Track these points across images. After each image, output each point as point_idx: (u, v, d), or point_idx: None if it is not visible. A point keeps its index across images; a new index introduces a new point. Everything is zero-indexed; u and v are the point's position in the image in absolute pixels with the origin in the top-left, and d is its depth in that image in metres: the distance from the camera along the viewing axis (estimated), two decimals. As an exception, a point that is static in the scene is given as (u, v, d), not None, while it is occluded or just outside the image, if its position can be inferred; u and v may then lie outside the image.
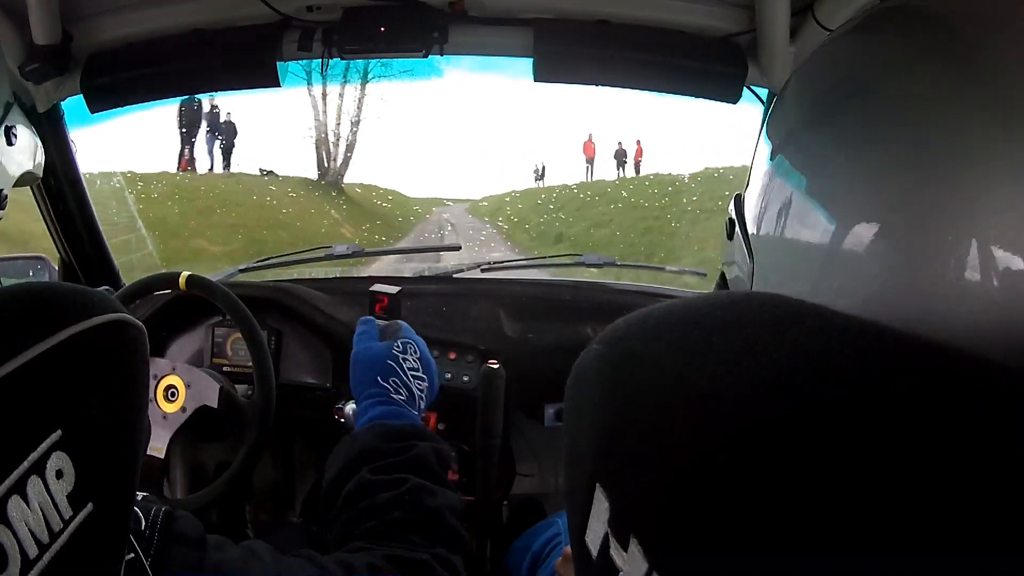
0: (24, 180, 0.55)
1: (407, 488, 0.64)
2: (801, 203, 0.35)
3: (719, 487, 0.21)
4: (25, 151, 0.56)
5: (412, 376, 0.78)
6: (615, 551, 0.24)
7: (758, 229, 0.40)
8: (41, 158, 0.58)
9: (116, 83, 1.13)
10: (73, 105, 1.20)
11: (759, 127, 1.20)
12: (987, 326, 0.27)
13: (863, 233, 0.31)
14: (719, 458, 0.21)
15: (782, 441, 0.20)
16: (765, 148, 0.40)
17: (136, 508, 0.49)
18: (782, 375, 0.22)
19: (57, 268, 1.42)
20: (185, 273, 1.13)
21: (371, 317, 0.88)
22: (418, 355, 0.81)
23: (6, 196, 0.52)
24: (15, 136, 0.53)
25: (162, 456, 1.09)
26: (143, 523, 0.49)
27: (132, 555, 0.49)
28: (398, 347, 0.79)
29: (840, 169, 0.33)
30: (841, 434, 0.20)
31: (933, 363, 0.22)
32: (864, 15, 0.37)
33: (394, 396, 0.75)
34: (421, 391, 0.78)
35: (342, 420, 1.14)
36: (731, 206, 0.45)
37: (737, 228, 0.43)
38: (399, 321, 0.88)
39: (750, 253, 0.41)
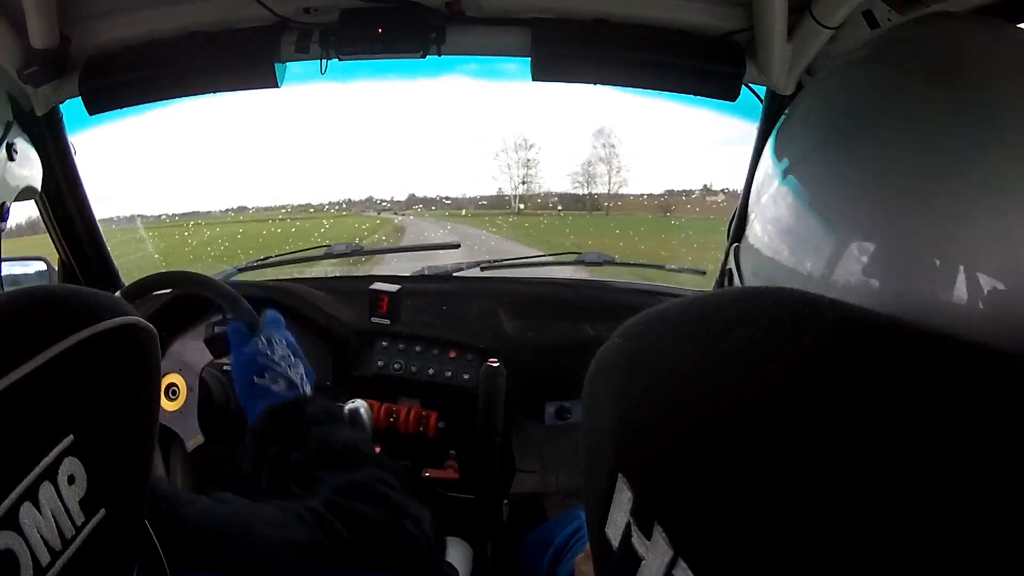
0: (25, 194, 0.55)
1: (314, 446, 0.71)
2: (803, 221, 0.36)
3: (741, 474, 0.21)
4: (25, 166, 0.56)
5: (286, 365, 0.84)
6: (637, 540, 0.24)
7: (758, 251, 0.40)
8: (39, 172, 0.59)
9: (114, 85, 1.13)
10: (72, 108, 1.20)
11: (757, 130, 1.19)
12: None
13: (858, 253, 0.33)
14: (739, 447, 0.22)
15: (804, 428, 0.21)
16: (770, 164, 0.40)
17: None
18: (802, 366, 0.22)
19: (57, 269, 1.43)
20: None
21: (238, 322, 0.90)
22: (284, 342, 0.86)
23: (8, 208, 0.52)
24: (16, 152, 0.54)
25: (204, 440, 1.08)
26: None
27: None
28: (262, 343, 0.84)
29: (842, 192, 0.34)
30: (861, 422, 0.20)
31: (955, 357, 0.22)
32: (877, 43, 0.38)
33: (274, 388, 0.81)
34: (300, 375, 0.84)
35: None
36: (731, 257, 0.46)
37: (736, 279, 0.44)
38: (268, 312, 0.91)
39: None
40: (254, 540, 0.57)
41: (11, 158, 0.54)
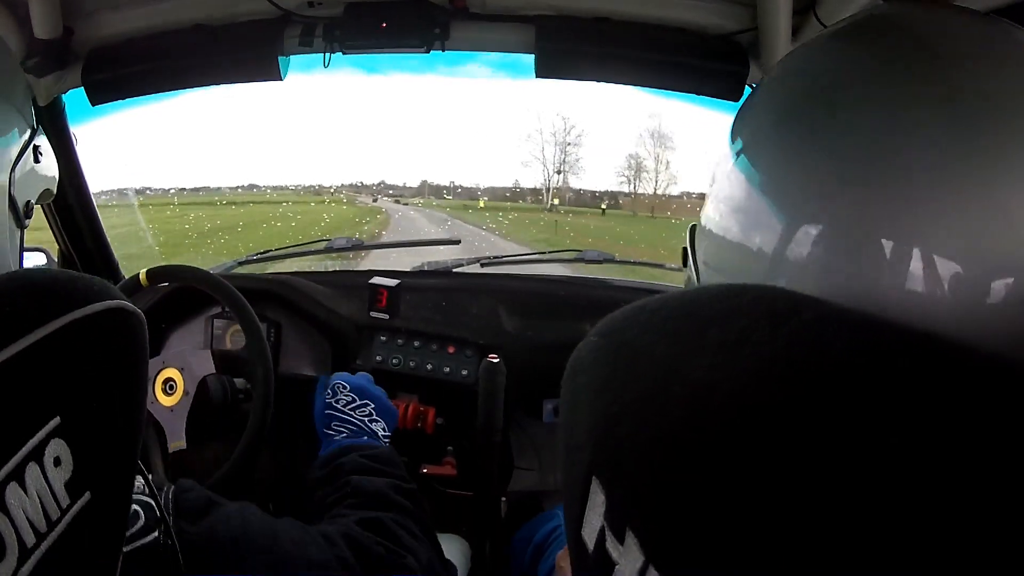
0: (42, 197, 0.57)
1: (350, 488, 0.77)
2: (754, 203, 0.35)
3: (714, 478, 0.21)
4: (49, 169, 0.58)
5: (351, 410, 0.91)
6: (611, 545, 0.24)
7: (710, 232, 0.39)
8: (56, 176, 0.60)
9: (117, 77, 1.13)
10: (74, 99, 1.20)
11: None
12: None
13: (809, 235, 0.31)
14: (714, 449, 0.21)
15: (777, 430, 0.21)
16: (726, 147, 0.39)
17: (150, 496, 0.51)
18: (777, 365, 0.22)
19: (57, 260, 1.43)
20: (144, 270, 1.09)
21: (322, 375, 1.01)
22: (347, 388, 0.94)
23: (33, 207, 0.54)
24: (41, 155, 0.56)
25: (185, 447, 1.08)
26: (156, 508, 0.52)
27: (156, 534, 0.51)
28: (328, 394, 0.93)
29: (795, 171, 0.33)
30: (836, 422, 0.20)
31: (929, 354, 0.22)
32: (844, 23, 0.37)
33: (337, 439, 0.88)
34: (366, 416, 0.92)
35: None
36: (687, 235, 0.45)
37: (689, 257, 0.43)
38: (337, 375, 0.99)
39: (697, 277, 0.42)
40: (276, 551, 0.60)
41: (37, 160, 0.56)
